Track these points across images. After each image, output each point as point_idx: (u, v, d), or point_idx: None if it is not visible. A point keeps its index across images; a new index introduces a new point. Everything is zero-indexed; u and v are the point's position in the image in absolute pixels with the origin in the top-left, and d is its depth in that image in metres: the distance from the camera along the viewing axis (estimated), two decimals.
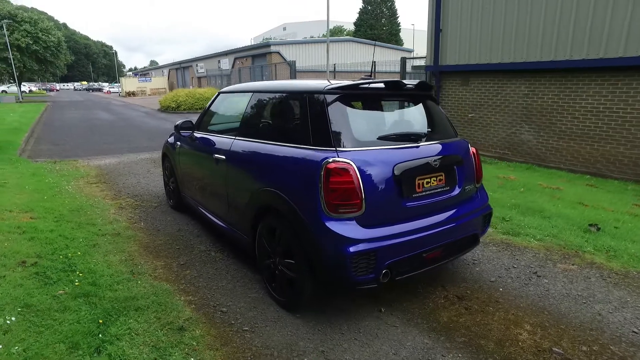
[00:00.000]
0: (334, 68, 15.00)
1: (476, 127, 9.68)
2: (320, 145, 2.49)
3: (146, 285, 2.95)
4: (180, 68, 47.31)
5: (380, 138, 2.61)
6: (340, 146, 2.46)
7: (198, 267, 3.36)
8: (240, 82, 23.90)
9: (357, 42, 32.71)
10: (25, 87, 51.67)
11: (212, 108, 4.02)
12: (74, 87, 78.34)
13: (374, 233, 2.40)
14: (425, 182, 2.65)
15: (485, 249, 3.75)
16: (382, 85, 2.78)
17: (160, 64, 75.47)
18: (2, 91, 36.28)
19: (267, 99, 3.20)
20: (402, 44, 46.01)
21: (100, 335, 2.24)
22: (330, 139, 2.48)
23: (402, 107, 3.09)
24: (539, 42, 7.81)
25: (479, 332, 2.47)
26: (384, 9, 51.66)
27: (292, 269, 2.60)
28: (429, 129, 3.00)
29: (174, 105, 22.24)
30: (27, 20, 33.18)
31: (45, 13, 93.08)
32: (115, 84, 63.77)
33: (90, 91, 65.86)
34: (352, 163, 2.36)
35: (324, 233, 2.34)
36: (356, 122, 2.66)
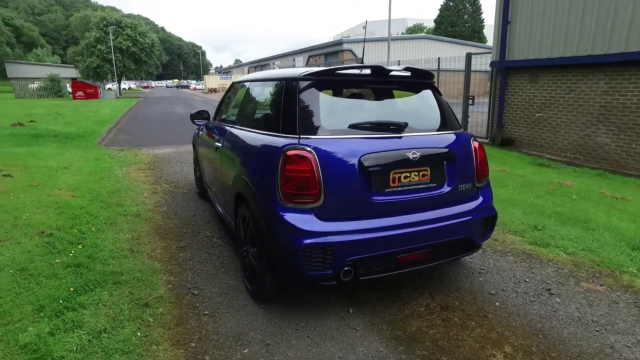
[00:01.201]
0: (399, 64, 14.56)
1: (544, 129, 8.74)
2: (287, 132, 2.41)
3: (137, 263, 3.12)
4: (259, 66, 49.61)
5: (352, 127, 2.44)
6: (305, 134, 2.36)
7: (194, 250, 3.47)
8: None
9: (433, 39, 31.45)
10: (126, 84, 58.14)
11: (225, 98, 4.12)
12: (166, 85, 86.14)
13: (333, 227, 2.26)
14: (402, 177, 2.42)
15: (499, 258, 3.35)
16: (366, 72, 2.61)
17: (243, 62, 79.79)
18: (108, 88, 41.23)
19: (258, 89, 3.19)
20: (485, 42, 43.14)
21: (65, 302, 2.41)
22: (296, 125, 2.39)
23: (390, 95, 2.86)
24: (625, 30, 6.77)
25: (446, 348, 2.20)
26: (467, 5, 48.96)
27: (255, 258, 2.56)
28: (420, 120, 2.75)
29: None
30: (129, 25, 37.23)
31: (147, 18, 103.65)
32: (200, 82, 68.79)
33: (179, 88, 71.93)
34: (312, 151, 2.25)
35: (279, 223, 2.26)
36: (329, 110, 2.53)
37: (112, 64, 36.27)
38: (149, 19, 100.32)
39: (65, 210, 4.06)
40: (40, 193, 4.61)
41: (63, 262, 2.92)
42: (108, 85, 44.00)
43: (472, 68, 10.70)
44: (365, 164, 2.31)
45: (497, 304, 2.66)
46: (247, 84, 3.48)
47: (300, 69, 2.67)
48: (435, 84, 2.95)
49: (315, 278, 2.28)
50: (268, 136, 2.56)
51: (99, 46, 35.92)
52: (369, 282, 2.56)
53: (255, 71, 52.29)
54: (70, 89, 29.99)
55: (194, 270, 3.10)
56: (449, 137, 2.68)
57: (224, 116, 3.94)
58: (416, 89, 2.88)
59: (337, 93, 2.61)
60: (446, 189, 2.56)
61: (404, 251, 2.44)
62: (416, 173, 2.47)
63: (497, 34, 9.66)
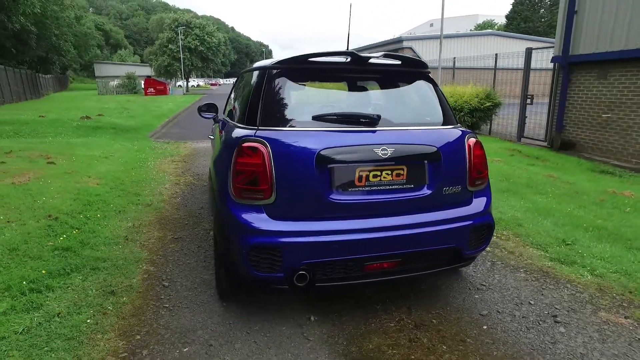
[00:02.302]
0: (454, 63, 13.72)
1: (612, 131, 7.71)
2: (249, 123, 2.27)
3: (125, 251, 3.17)
4: None
5: (316, 119, 2.23)
6: (265, 125, 2.20)
7: (186, 242, 3.46)
8: None
9: (500, 35, 29.47)
10: (195, 81, 61.59)
11: (231, 92, 4.08)
12: (233, 82, 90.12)
13: (285, 226, 2.08)
14: (371, 175, 2.17)
15: (508, 274, 2.93)
16: (343, 59, 2.39)
17: None
18: (179, 85, 44.06)
19: (244, 80, 3.09)
20: None
21: (33, 284, 2.48)
22: (256, 116, 2.24)
23: (374, 85, 2.59)
24: None
25: None
26: None
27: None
28: (404, 113, 2.47)
29: None
30: (198, 26, 39.42)
31: (219, 19, 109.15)
32: None
33: None
34: (266, 143, 2.08)
35: (228, 219, 2.14)
36: (295, 100, 2.35)
37: (181, 62, 38.64)
38: (220, 19, 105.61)
39: (82, 196, 4.29)
40: (69, 180, 4.92)
41: (53, 245, 3.04)
42: (179, 83, 46.98)
43: (539, 66, 9.77)
44: (325, 159, 2.10)
45: (484, 327, 2.31)
46: (244, 75, 3.40)
47: (277, 59, 2.52)
48: (430, 74, 2.63)
49: (264, 280, 2.12)
50: (233, 127, 2.44)
51: (170, 46, 38.48)
52: (332, 288, 2.34)
53: None
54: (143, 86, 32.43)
55: (176, 261, 3.08)
56: (434, 132, 2.37)
57: (227, 108, 3.90)
58: (407, 79, 2.59)
59: (308, 82, 2.42)
60: (426, 191, 2.26)
61: (371, 258, 2.19)
62: (388, 172, 2.20)
63: (561, 26, 8.71)
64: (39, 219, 3.50)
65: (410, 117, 2.50)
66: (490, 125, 11.46)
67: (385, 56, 2.41)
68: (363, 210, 2.17)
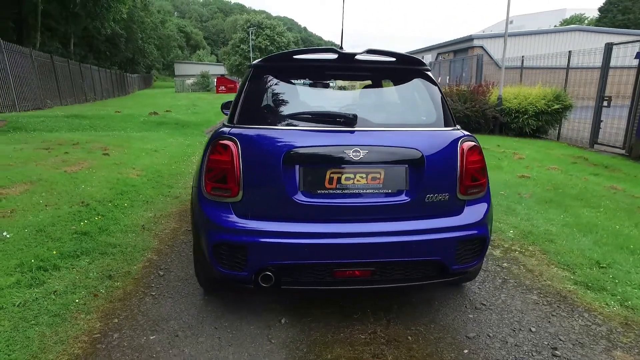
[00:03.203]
0: (522, 62, 12.64)
1: None
2: (230, 121, 2.30)
3: (138, 239, 3.38)
4: None
5: (292, 117, 2.18)
6: (242, 123, 2.21)
7: None
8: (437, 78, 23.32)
9: (587, 30, 26.63)
10: None
11: None
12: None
13: (250, 225, 2.06)
14: (343, 178, 2.07)
15: (517, 295, 2.63)
16: (330, 56, 2.30)
17: None
18: None
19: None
20: None
21: (42, 263, 2.73)
22: (235, 114, 2.25)
23: (365, 83, 2.46)
24: None
25: None
26: None
27: None
28: (390, 113, 2.32)
29: None
30: (268, 26, 40.92)
31: (292, 19, 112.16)
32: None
33: None
34: (236, 141, 2.08)
35: (198, 214, 2.17)
36: (276, 99, 2.32)
37: (251, 61, 40.39)
38: (293, 20, 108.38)
39: (118, 186, 4.64)
40: (114, 170, 5.37)
41: (75, 229, 3.33)
42: None
43: (620, 63, 8.69)
44: (293, 159, 2.04)
45: (465, 351, 2.09)
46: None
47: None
48: (429, 72, 2.43)
49: (230, 278, 2.12)
50: (221, 125, 2.48)
51: (242, 46, 40.46)
52: (304, 292, 2.28)
53: None
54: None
55: (179, 253, 3.21)
56: (420, 135, 2.19)
57: None
58: (400, 77, 2.43)
59: (290, 80, 2.37)
60: (404, 198, 2.10)
61: (342, 265, 2.09)
62: (363, 175, 2.08)
63: None
64: (72, 205, 3.86)
65: (398, 117, 2.34)
66: (560, 129, 10.43)
67: (372, 52, 2.27)
68: (333, 214, 2.08)
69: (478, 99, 10.67)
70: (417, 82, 2.40)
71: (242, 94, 2.29)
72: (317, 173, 2.07)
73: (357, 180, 2.08)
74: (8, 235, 3.04)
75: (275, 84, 2.34)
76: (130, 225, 3.64)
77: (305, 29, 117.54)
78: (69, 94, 17.95)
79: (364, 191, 2.09)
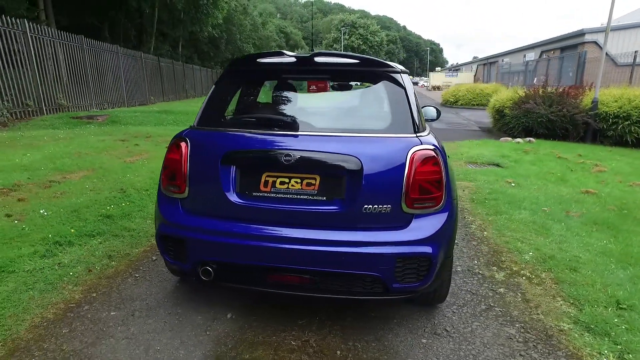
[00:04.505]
0: (634, 58, 10.74)
1: None
2: (194, 122, 2.44)
3: (152, 226, 3.73)
4: (487, 64, 45.74)
5: (236, 120, 2.23)
6: (200, 124, 2.35)
7: None
8: (537, 78, 21.21)
9: None
10: None
11: None
12: None
13: (192, 221, 2.18)
14: (278, 182, 2.08)
15: (491, 325, 2.34)
16: (289, 60, 2.30)
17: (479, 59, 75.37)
18: None
19: None
20: None
21: (60, 238, 3.19)
22: (198, 115, 2.39)
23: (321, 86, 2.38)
24: None
25: None
26: None
27: None
28: (340, 118, 2.23)
29: (452, 100, 23.15)
30: (362, 25, 40.97)
31: (391, 18, 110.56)
32: (424, 78, 69.10)
33: None
34: (187, 140, 2.22)
35: (156, 208, 2.36)
36: (232, 102, 2.39)
37: None
38: (392, 18, 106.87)
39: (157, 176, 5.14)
40: None
41: (103, 213, 3.81)
42: None
43: None
44: (230, 160, 2.11)
45: None
46: None
47: None
48: (397, 74, 2.27)
49: (178, 269, 2.28)
50: None
51: (335, 45, 41.12)
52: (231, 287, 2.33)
53: (484, 68, 47.79)
54: None
55: None
56: (363, 141, 2.06)
57: None
58: (363, 80, 2.33)
59: (251, 84, 2.42)
60: (339, 206, 2.02)
61: (275, 269, 2.10)
62: (298, 180, 2.06)
63: None
64: (112, 191, 4.41)
65: (346, 122, 2.25)
66: None
67: (320, 55, 2.20)
68: (266, 217, 2.09)
69: (567, 102, 9.42)
70: (379, 86, 2.27)
71: (208, 96, 2.42)
72: (253, 175, 2.10)
73: (292, 185, 2.06)
74: (46, 213, 3.61)
75: (237, 88, 2.42)
76: (152, 213, 4.03)
77: (404, 27, 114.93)
78: (171, 91, 20.23)
79: (299, 197, 2.06)
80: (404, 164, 2.00)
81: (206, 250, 2.13)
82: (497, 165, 6.67)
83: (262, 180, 2.09)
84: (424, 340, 2.22)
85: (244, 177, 2.12)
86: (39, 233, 3.25)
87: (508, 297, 2.67)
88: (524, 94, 10.30)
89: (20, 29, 9.69)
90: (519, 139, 9.17)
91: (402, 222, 2.03)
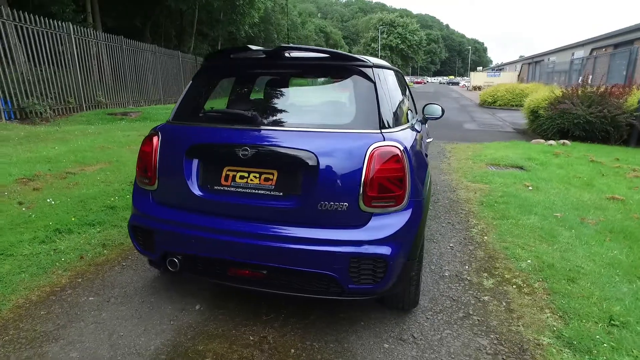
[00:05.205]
0: None
1: None
2: (170, 115, 2.49)
3: None
4: (532, 63, 43.53)
5: (202, 115, 2.25)
6: (174, 118, 2.40)
7: None
8: (583, 77, 19.97)
9: None
10: None
11: None
12: (439, 81, 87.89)
13: (160, 212, 2.24)
14: (238, 176, 2.08)
15: (464, 335, 2.22)
16: (260, 55, 2.30)
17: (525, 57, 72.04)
18: None
19: None
20: None
21: (61, 226, 3.37)
22: (173, 110, 2.44)
23: (292, 81, 2.35)
24: None
25: None
26: None
27: None
28: (306, 113, 2.19)
29: (490, 100, 22.33)
30: (401, 24, 40.27)
31: (434, 17, 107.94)
32: (466, 78, 66.85)
33: (450, 84, 72.05)
34: (158, 134, 2.27)
35: (132, 198, 2.43)
36: (205, 96, 2.42)
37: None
38: (435, 17, 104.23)
39: None
40: None
41: (107, 203, 3.98)
42: None
43: None
44: (193, 154, 2.14)
45: None
46: None
47: None
48: (368, 68, 2.19)
49: (151, 259, 2.34)
50: None
51: (372, 44, 40.72)
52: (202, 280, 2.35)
53: (529, 68, 45.63)
54: None
55: None
56: (318, 136, 2.00)
57: None
58: (332, 75, 2.28)
59: (224, 78, 2.43)
60: (294, 202, 1.99)
61: (234, 263, 2.11)
62: (256, 175, 2.05)
63: None
64: (122, 183, 4.60)
65: (308, 117, 2.21)
66: None
67: (283, 49, 2.17)
68: (226, 211, 2.10)
69: (608, 102, 8.76)
70: (348, 81, 2.21)
71: (185, 91, 2.46)
72: (215, 169, 2.12)
73: (251, 180, 2.06)
74: (53, 202, 3.84)
75: (211, 82, 2.43)
76: None
77: (447, 26, 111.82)
78: None
79: (257, 191, 2.05)
80: (363, 161, 1.94)
81: (172, 242, 2.18)
82: (521, 168, 6.32)
83: (223, 174, 2.10)
84: (386, 345, 2.14)
85: (206, 170, 2.14)
86: (43, 220, 3.45)
87: (491, 306, 2.52)
88: (560, 94, 9.70)
89: (65, 31, 10.35)
90: (551, 141, 8.65)
91: (360, 220, 1.97)
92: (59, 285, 2.64)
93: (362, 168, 1.93)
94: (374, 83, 2.16)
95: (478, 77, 48.39)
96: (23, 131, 7.45)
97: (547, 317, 2.38)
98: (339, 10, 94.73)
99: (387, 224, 1.97)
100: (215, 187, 2.11)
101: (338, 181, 1.94)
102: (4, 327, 2.21)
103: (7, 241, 3.06)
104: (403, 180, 1.97)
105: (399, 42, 40.14)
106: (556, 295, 2.59)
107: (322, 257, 1.94)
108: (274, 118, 2.19)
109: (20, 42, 9.25)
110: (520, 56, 52.64)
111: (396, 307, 2.41)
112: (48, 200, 3.88)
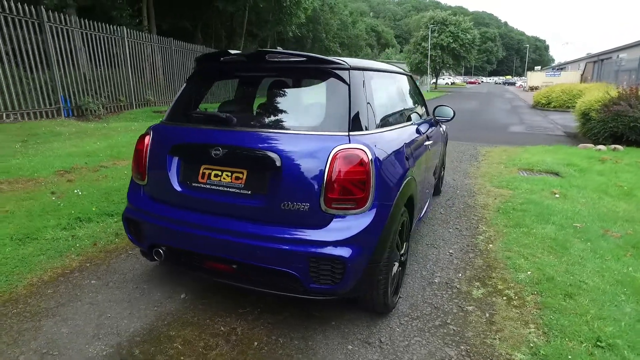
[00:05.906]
0: None
1: None
2: (165, 116, 2.67)
3: None
4: (598, 61, 40.16)
5: (187, 115, 2.39)
6: (166, 118, 2.56)
7: None
8: None
9: None
10: (449, 79, 61.10)
11: None
12: (495, 81, 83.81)
13: (147, 206, 2.42)
14: (213, 174, 2.20)
15: (433, 343, 2.18)
16: (242, 58, 2.40)
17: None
18: (434, 82, 45.16)
19: None
20: None
21: (82, 215, 3.69)
22: (167, 110, 2.61)
23: (272, 84, 2.41)
24: None
25: None
26: None
27: None
28: (279, 114, 2.26)
29: (544, 102, 21.13)
30: (453, 22, 38.86)
31: (491, 14, 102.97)
32: (523, 78, 63.17)
33: (506, 85, 68.56)
34: (150, 133, 2.45)
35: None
36: (195, 97, 2.57)
37: (431, 59, 39.28)
38: (492, 14, 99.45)
39: None
40: None
41: (113, 199, 4.28)
42: (433, 80, 48.04)
43: None
44: (175, 152, 2.30)
45: None
46: None
47: None
48: (344, 71, 2.21)
49: (142, 250, 2.53)
50: None
51: (423, 43, 39.67)
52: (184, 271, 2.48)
53: (594, 66, 42.24)
54: None
55: None
56: (282, 137, 2.06)
57: None
58: (308, 77, 2.32)
59: (212, 80, 2.56)
60: (260, 201, 2.07)
61: (209, 257, 2.23)
62: (228, 173, 2.16)
63: None
64: None
65: (281, 118, 2.26)
66: None
67: (262, 52, 2.24)
68: (202, 207, 2.22)
69: None
70: (322, 83, 2.24)
71: (179, 92, 2.62)
72: (193, 167, 2.25)
73: (223, 178, 2.16)
74: (81, 193, 4.20)
75: (201, 84, 2.57)
76: None
77: (505, 24, 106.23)
78: None
79: (228, 189, 2.15)
80: (325, 163, 1.97)
81: (157, 234, 2.34)
82: (556, 174, 5.94)
83: (200, 172, 2.22)
84: (350, 347, 2.15)
85: (186, 168, 2.27)
86: (69, 209, 3.81)
87: (472, 316, 2.44)
88: (616, 95, 8.94)
89: (119, 35, 11.19)
90: (601, 146, 8.01)
91: (321, 221, 2.00)
92: (69, 268, 2.91)
93: (324, 170, 1.96)
94: (348, 85, 2.17)
95: (536, 77, 45.56)
96: (75, 127, 8.18)
97: (529, 333, 2.26)
98: (392, 9, 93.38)
99: (348, 226, 1.99)
100: (194, 184, 2.24)
101: (301, 182, 1.99)
102: (15, 301, 2.49)
103: (34, 226, 3.42)
104: (366, 184, 1.98)
105: (451, 40, 38.76)
106: (547, 310, 2.45)
107: (284, 255, 2.00)
108: (248, 119, 2.29)
109: (84, 46, 10.14)
110: (587, 54, 48.85)
111: (366, 310, 2.41)
112: (76, 191, 4.26)
